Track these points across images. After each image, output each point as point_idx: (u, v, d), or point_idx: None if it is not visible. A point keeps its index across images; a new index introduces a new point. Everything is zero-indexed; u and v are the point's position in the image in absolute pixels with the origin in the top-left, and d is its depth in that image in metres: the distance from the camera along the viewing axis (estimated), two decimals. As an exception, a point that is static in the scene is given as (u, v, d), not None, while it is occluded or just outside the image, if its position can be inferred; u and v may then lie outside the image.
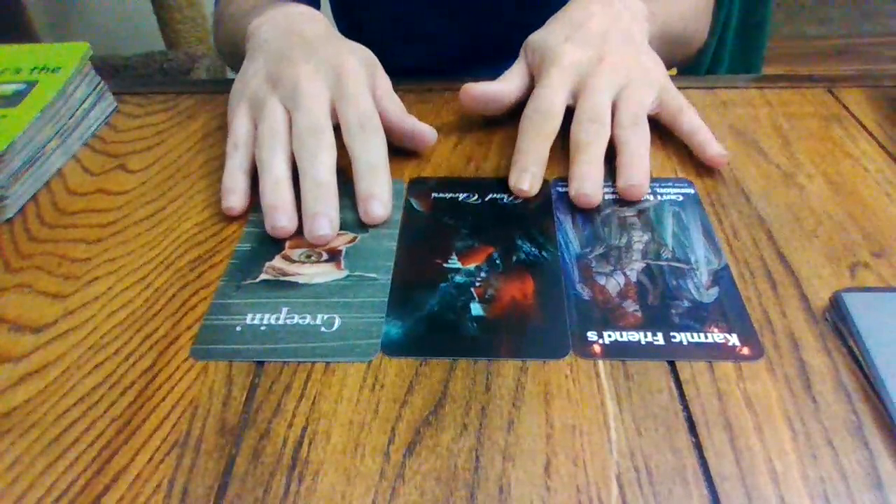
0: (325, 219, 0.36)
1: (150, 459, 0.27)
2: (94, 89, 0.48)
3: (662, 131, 0.44)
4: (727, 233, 0.37)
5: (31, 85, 0.44)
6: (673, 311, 0.32)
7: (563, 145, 0.41)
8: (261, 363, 0.31)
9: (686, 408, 0.28)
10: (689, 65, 0.75)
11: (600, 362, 0.30)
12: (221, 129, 0.47)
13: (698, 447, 0.27)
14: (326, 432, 0.28)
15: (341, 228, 0.38)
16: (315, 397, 0.29)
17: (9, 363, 0.31)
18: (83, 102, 0.47)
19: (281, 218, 0.37)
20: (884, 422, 0.27)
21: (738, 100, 0.49)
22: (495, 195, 0.40)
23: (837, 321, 0.31)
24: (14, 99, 0.43)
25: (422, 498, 0.25)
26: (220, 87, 0.54)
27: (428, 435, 0.27)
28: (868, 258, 0.35)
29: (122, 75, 1.13)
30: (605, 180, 0.40)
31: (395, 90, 0.44)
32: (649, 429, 0.27)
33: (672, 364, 0.30)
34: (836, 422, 0.27)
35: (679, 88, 0.44)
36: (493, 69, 0.48)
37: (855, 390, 0.28)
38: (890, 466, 0.26)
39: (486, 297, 0.33)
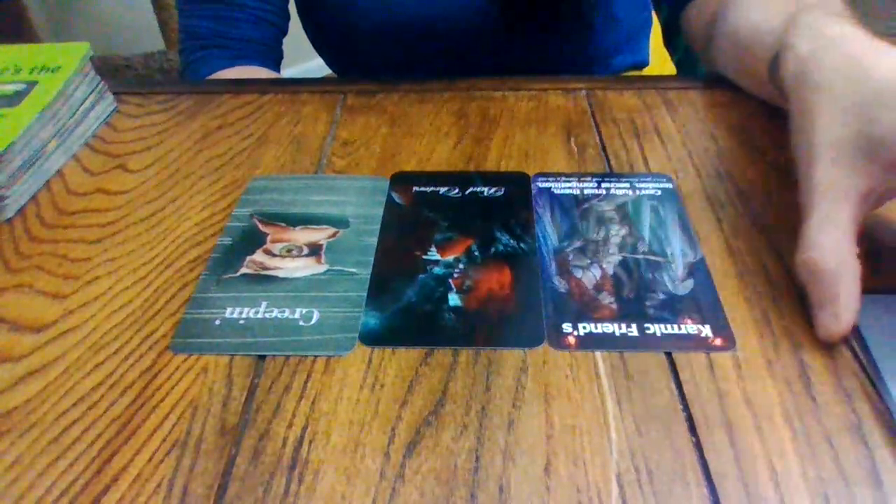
0: None
1: (150, 459, 0.27)
2: (94, 89, 0.48)
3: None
4: (726, 233, 0.37)
5: (31, 85, 0.44)
6: (648, 304, 0.32)
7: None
8: (262, 357, 0.31)
9: (686, 407, 0.28)
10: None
11: (600, 362, 0.30)
12: (221, 129, 0.47)
13: (698, 447, 0.27)
14: (326, 432, 0.28)
15: (322, 223, 0.38)
16: (315, 397, 0.29)
17: (9, 363, 0.31)
18: (83, 102, 0.47)
19: None
20: (884, 422, 0.27)
21: (738, 99, 0.49)
22: (475, 188, 0.41)
23: (837, 321, 0.31)
24: (14, 99, 0.43)
25: (422, 498, 0.25)
26: (220, 88, 0.54)
27: (428, 435, 0.27)
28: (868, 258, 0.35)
29: (122, 75, 1.13)
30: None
31: (396, 90, 0.43)
32: (649, 428, 0.27)
33: (672, 363, 0.30)
34: (836, 421, 0.27)
35: (679, 88, 0.44)
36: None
37: (855, 390, 0.28)
38: (890, 466, 0.26)
39: (464, 287, 0.34)
